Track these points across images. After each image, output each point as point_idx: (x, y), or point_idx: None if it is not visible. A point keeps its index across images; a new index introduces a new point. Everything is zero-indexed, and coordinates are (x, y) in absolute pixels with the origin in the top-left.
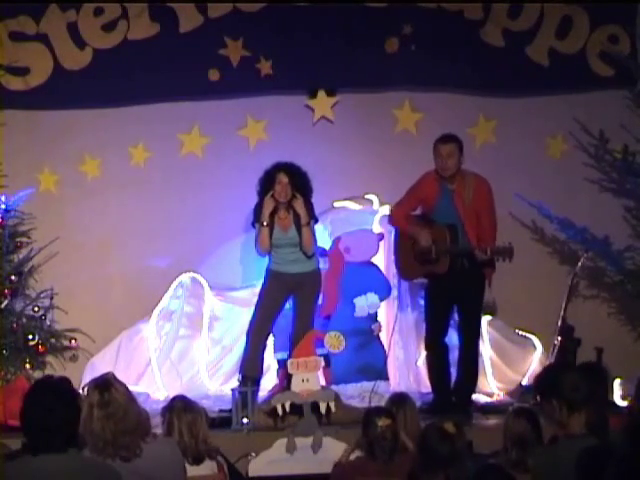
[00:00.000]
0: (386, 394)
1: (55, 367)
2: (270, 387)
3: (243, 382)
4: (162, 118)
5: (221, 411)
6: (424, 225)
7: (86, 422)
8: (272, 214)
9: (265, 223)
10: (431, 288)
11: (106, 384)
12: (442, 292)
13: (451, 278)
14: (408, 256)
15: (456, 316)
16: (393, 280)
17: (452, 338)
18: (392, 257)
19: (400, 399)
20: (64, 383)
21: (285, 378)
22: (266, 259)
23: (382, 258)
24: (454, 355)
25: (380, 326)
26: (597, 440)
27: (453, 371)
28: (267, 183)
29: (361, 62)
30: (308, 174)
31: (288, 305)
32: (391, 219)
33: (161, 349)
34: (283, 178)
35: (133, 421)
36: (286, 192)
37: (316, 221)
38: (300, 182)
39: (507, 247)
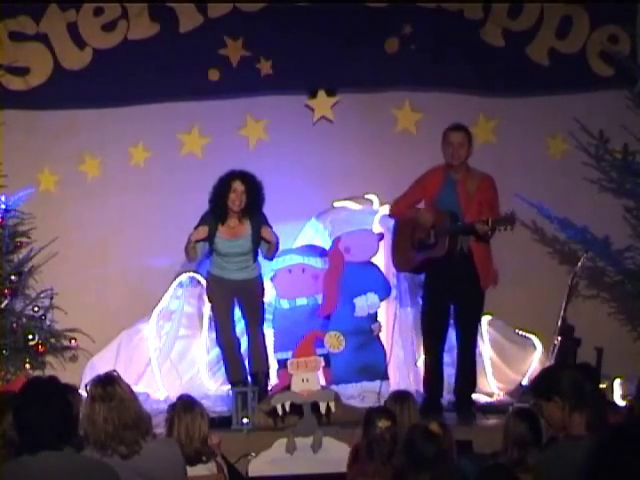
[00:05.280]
0: (385, 394)
1: (55, 367)
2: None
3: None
4: (162, 118)
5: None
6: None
7: (89, 416)
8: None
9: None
10: (428, 283)
11: (109, 380)
12: (439, 286)
13: (449, 267)
14: (405, 245)
15: (454, 316)
16: (393, 280)
17: (451, 338)
18: (389, 250)
19: (402, 397)
20: (53, 381)
21: (285, 378)
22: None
23: (382, 258)
24: (452, 355)
25: (380, 326)
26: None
27: (450, 370)
28: (221, 191)
29: (361, 62)
30: (262, 184)
31: (289, 305)
32: (391, 210)
33: (161, 349)
34: (239, 186)
35: (135, 415)
36: (240, 200)
37: (270, 227)
38: (255, 191)
39: (508, 215)
